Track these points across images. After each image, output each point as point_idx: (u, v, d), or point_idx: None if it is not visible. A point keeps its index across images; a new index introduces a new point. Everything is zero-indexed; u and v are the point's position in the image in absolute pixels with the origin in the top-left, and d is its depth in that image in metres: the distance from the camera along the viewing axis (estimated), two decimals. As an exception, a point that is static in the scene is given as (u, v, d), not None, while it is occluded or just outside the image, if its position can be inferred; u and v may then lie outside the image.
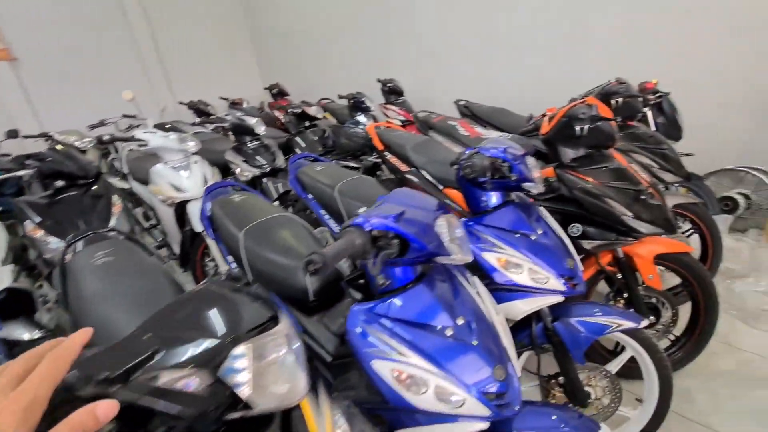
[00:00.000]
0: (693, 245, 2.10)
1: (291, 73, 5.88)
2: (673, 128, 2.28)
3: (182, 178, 2.31)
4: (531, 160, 1.24)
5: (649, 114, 2.24)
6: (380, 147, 2.30)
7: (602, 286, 1.73)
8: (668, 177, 1.88)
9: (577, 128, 1.47)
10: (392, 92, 3.84)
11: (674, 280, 1.74)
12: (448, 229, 0.87)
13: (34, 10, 4.34)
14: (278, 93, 5.29)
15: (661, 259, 1.58)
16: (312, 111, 3.11)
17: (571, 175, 1.52)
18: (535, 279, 1.16)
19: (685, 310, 1.67)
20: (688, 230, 2.08)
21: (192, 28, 5.65)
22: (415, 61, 4.24)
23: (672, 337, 1.71)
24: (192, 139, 2.44)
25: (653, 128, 2.27)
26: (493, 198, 1.26)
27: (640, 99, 1.96)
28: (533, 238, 1.21)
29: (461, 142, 2.46)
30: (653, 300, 1.64)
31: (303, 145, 3.15)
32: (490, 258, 1.17)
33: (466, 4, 3.58)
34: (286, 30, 5.58)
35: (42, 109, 4.50)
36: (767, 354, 1.79)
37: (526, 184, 1.22)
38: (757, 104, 2.49)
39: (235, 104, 4.83)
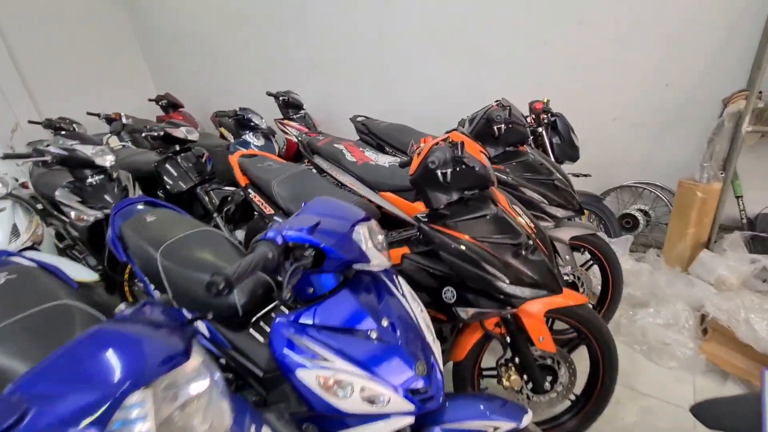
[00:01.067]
0: (593, 277, 1.96)
1: (189, 81, 5.23)
2: (569, 148, 2.12)
3: None
4: (365, 231, 0.92)
5: (545, 135, 2.07)
6: (243, 182, 1.89)
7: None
8: (560, 212, 1.68)
9: (440, 173, 1.19)
10: (289, 106, 3.43)
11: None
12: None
13: None
14: (168, 105, 4.64)
15: (553, 314, 1.35)
16: (180, 133, 2.60)
17: (437, 231, 1.23)
18: (371, 400, 0.83)
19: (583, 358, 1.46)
20: (587, 262, 1.92)
21: (61, 28, 4.79)
22: (317, 71, 3.86)
23: (572, 398, 1.50)
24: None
25: (549, 150, 2.10)
26: (323, 281, 0.92)
27: (527, 121, 1.75)
28: (374, 336, 0.88)
29: (347, 170, 2.13)
30: (548, 361, 1.42)
31: (174, 173, 2.63)
32: (308, 377, 0.83)
33: (361, 13, 3.27)
34: (178, 32, 4.92)
35: None
36: (670, 398, 1.66)
37: (358, 265, 0.90)
38: (650, 118, 2.44)
39: (111, 120, 4.12)
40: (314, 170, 2.11)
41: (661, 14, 2.22)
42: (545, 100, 2.05)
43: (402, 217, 1.85)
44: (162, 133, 2.53)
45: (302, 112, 3.50)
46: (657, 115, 2.41)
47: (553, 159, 2.11)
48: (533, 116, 2.03)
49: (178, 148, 2.71)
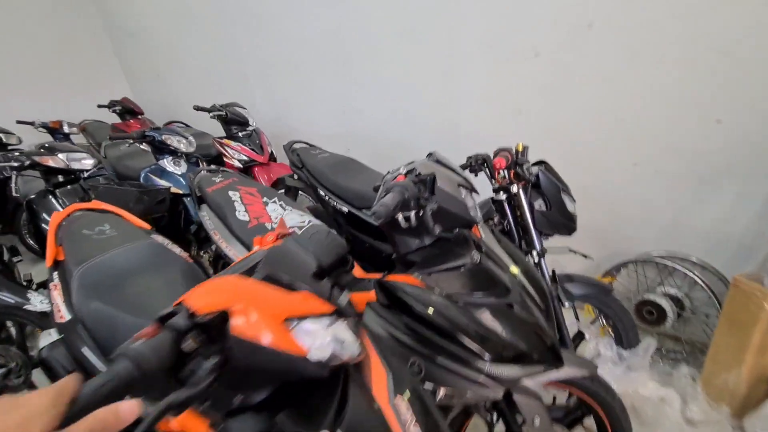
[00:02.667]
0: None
1: (155, 84, 4.73)
2: (560, 217, 1.41)
3: None
4: None
5: (522, 198, 1.35)
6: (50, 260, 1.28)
7: None
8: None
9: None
10: (231, 122, 2.82)
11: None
12: None
13: None
14: (125, 111, 4.13)
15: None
16: (56, 161, 2.02)
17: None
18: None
19: None
20: (575, 412, 1.20)
21: (21, 36, 4.38)
22: (272, 80, 3.24)
23: None
24: None
25: (529, 220, 1.39)
26: None
27: (493, 178, 1.06)
28: None
29: (232, 233, 1.49)
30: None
31: (42, 216, 2.06)
32: None
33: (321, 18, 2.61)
34: (139, 28, 4.41)
35: None
36: None
37: None
38: (690, 165, 1.67)
39: (54, 130, 3.65)
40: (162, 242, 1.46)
41: (713, 17, 1.46)
42: (519, 147, 1.33)
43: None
44: (27, 162, 1.96)
45: (249, 129, 2.89)
46: (700, 163, 1.65)
47: (533, 234, 1.40)
48: (501, 171, 1.32)
49: (61, 179, 2.14)
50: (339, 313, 0.64)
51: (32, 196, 2.05)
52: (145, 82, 4.92)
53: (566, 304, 1.44)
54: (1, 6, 4.24)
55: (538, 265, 1.43)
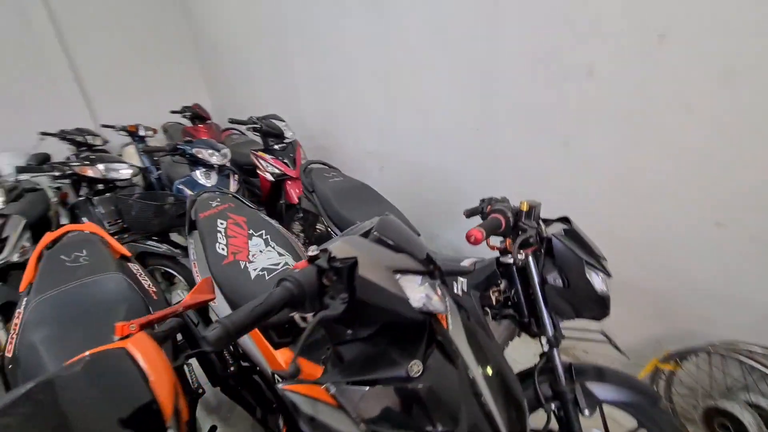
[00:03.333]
0: None
1: (229, 92, 5.02)
2: (583, 297, 1.06)
3: None
4: None
5: (532, 268, 1.04)
6: (21, 289, 1.28)
7: None
8: None
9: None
10: (268, 134, 2.80)
11: None
12: None
13: None
14: (194, 117, 4.44)
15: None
16: (93, 171, 2.15)
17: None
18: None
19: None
20: None
21: (119, 40, 4.97)
22: (317, 96, 3.16)
23: None
24: None
25: (539, 298, 1.07)
26: None
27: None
28: None
29: (209, 268, 1.40)
30: None
31: (92, 215, 2.21)
32: None
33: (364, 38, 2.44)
34: (218, 41, 4.71)
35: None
36: None
37: None
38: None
39: (132, 133, 4.04)
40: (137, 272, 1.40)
41: None
42: (523, 207, 1.01)
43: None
44: (69, 171, 2.11)
45: (286, 141, 2.85)
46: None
47: (544, 316, 1.08)
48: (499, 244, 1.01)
49: (101, 187, 2.28)
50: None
51: (75, 202, 2.22)
52: (220, 90, 5.26)
53: (586, 412, 1.09)
54: (104, 19, 4.83)
55: (549, 356, 1.09)
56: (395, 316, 0.73)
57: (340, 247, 0.71)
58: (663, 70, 1.29)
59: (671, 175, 1.38)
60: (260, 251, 1.43)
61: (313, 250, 0.72)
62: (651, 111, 1.36)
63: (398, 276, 0.73)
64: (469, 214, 1.22)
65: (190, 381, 1.27)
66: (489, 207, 1.11)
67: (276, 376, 1.11)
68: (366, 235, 0.80)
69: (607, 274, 1.09)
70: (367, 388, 0.72)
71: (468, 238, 0.89)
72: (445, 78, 2.04)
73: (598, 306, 1.07)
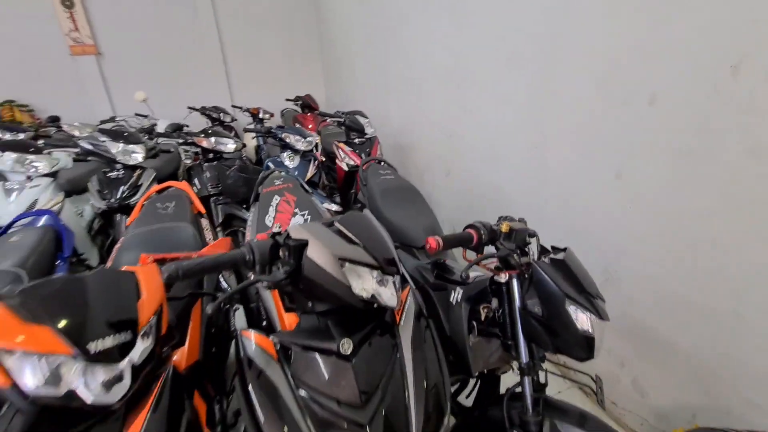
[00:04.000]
0: None
1: (339, 86, 5.51)
2: (562, 330, 1.02)
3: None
4: None
5: (514, 290, 1.04)
6: (127, 224, 1.71)
7: None
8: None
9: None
10: (350, 128, 3.07)
11: None
12: None
13: (119, 10, 5.06)
14: (305, 106, 5.00)
15: None
16: (207, 143, 2.66)
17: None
18: None
19: None
20: None
21: (260, 32, 5.81)
22: (404, 97, 3.31)
23: None
24: (39, 162, 2.34)
25: (517, 321, 1.06)
26: None
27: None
28: None
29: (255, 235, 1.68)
30: None
31: (198, 185, 2.76)
32: None
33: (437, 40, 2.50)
34: (337, 39, 5.19)
35: (118, 98, 5.30)
36: None
37: None
38: None
39: (253, 115, 4.75)
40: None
41: None
42: (504, 228, 1.01)
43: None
44: (190, 140, 2.65)
45: (366, 136, 3.08)
46: None
47: (519, 340, 1.07)
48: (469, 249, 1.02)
49: (211, 156, 2.81)
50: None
51: (191, 165, 2.77)
52: (333, 83, 5.79)
53: (544, 443, 1.05)
54: (253, 15, 5.69)
55: (521, 384, 1.08)
56: (338, 299, 0.85)
57: (297, 229, 0.86)
58: (731, 107, 1.12)
59: (732, 224, 1.19)
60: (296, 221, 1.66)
61: (277, 228, 0.88)
62: (713, 151, 1.19)
63: (346, 264, 0.85)
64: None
65: (231, 324, 1.56)
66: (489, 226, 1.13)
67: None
68: (330, 225, 0.92)
69: (598, 315, 1.02)
70: (300, 350, 0.86)
71: (425, 244, 0.95)
72: (507, 94, 2.00)
73: (579, 345, 1.02)
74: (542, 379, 1.13)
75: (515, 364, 1.13)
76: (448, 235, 0.99)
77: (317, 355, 0.85)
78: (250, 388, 0.84)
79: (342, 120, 3.03)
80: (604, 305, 1.05)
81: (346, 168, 3.01)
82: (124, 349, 0.69)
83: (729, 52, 1.10)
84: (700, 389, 1.36)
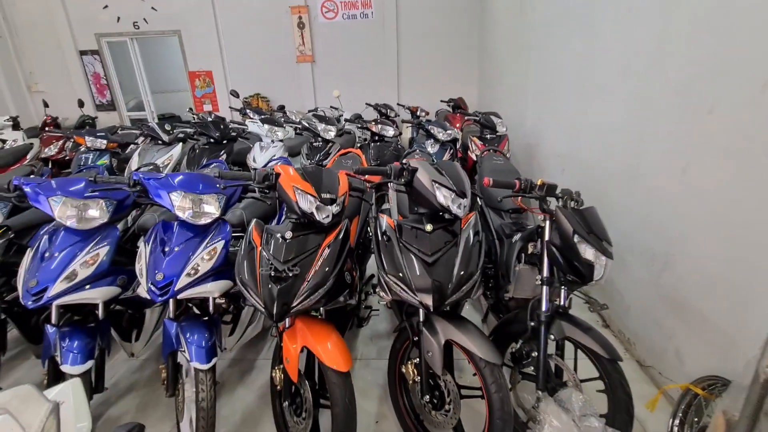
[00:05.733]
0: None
1: (491, 89, 6.09)
2: (572, 258, 1.53)
3: (257, 154, 3.69)
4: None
5: (546, 228, 1.60)
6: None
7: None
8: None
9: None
10: (483, 125, 3.69)
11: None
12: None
13: (330, 31, 6.75)
14: (455, 107, 5.76)
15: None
16: (376, 129, 3.69)
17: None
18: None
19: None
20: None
21: (429, 43, 6.83)
22: (538, 100, 3.72)
23: None
24: (280, 131, 3.76)
25: (544, 249, 1.61)
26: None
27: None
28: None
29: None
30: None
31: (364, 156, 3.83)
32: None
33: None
34: (498, 52, 5.77)
35: (320, 94, 7.08)
36: None
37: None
38: None
39: (412, 112, 5.77)
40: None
41: None
42: (540, 182, 1.55)
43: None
44: (364, 126, 3.75)
45: (497, 133, 3.67)
46: None
47: (544, 261, 1.62)
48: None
49: (377, 139, 3.87)
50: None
51: (361, 144, 3.87)
52: (485, 87, 6.40)
53: (551, 336, 1.58)
54: (424, 23, 6.73)
55: (541, 291, 1.62)
56: (429, 204, 1.59)
57: (414, 162, 1.64)
58: (764, 116, 1.40)
59: None
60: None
61: (404, 161, 1.67)
62: (756, 152, 1.46)
63: (436, 185, 1.59)
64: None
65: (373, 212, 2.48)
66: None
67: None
68: (432, 164, 1.67)
69: (604, 253, 1.49)
70: (408, 228, 1.63)
71: (499, 198, 1.61)
72: (614, 101, 2.34)
73: (583, 269, 1.51)
74: (564, 303, 1.63)
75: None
76: (498, 180, 1.62)
77: (416, 230, 1.61)
78: (381, 246, 1.65)
79: (478, 119, 3.69)
80: (611, 248, 1.52)
81: (474, 157, 3.66)
82: (331, 203, 1.59)
83: (760, 72, 1.39)
84: (733, 363, 1.60)
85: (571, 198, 1.63)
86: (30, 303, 1.56)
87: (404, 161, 1.68)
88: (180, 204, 1.67)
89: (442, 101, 5.90)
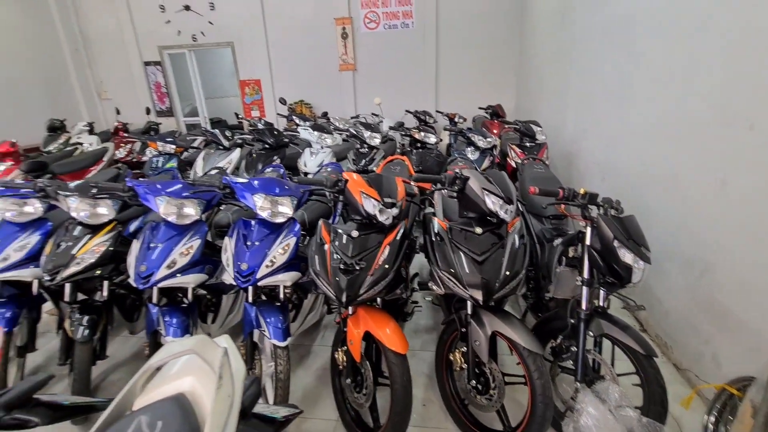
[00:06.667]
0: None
1: (528, 96, 6.16)
2: (611, 261, 1.68)
3: (308, 159, 3.99)
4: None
5: (587, 234, 1.75)
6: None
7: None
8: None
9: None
10: (523, 133, 3.82)
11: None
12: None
13: (372, 41, 7.04)
14: (494, 114, 5.89)
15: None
16: (419, 136, 3.90)
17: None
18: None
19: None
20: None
21: (467, 52, 6.97)
22: (578, 110, 3.81)
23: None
24: (329, 138, 4.05)
25: (585, 253, 1.76)
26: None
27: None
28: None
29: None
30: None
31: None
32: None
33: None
34: (538, 60, 5.85)
35: (360, 101, 7.38)
36: None
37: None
38: None
39: (450, 119, 5.94)
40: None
41: None
42: (582, 192, 1.70)
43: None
44: (407, 133, 3.97)
45: (536, 142, 3.79)
46: None
47: (585, 264, 1.77)
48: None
49: (418, 145, 4.09)
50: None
51: (403, 150, 4.09)
52: (522, 95, 6.47)
53: (590, 333, 1.72)
54: (463, 34, 6.88)
55: (581, 294, 1.77)
56: (479, 209, 1.78)
57: (466, 171, 1.84)
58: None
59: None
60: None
61: (456, 171, 1.87)
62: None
63: (486, 192, 1.78)
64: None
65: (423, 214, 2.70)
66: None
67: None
68: (482, 173, 1.86)
69: (642, 258, 1.63)
70: (458, 229, 1.83)
71: (544, 206, 1.78)
72: (651, 112, 2.44)
73: (622, 272, 1.65)
74: (603, 303, 1.77)
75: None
76: (543, 188, 1.78)
77: (465, 232, 1.81)
78: (435, 245, 1.86)
79: (517, 127, 3.82)
80: (648, 254, 1.65)
81: (514, 165, 3.80)
82: (391, 206, 1.81)
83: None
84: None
85: (612, 206, 1.78)
86: (141, 285, 1.88)
87: (456, 170, 1.88)
88: (261, 204, 1.95)
89: (480, 108, 6.03)
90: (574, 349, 1.75)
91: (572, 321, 1.78)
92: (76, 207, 1.99)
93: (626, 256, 1.65)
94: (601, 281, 1.77)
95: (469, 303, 1.74)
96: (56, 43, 7.27)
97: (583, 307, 1.75)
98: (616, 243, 1.66)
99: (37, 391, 0.91)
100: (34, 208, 2.14)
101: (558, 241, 2.04)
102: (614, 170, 3.05)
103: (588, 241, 1.78)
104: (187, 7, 7.29)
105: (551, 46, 4.79)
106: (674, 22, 2.30)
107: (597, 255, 1.74)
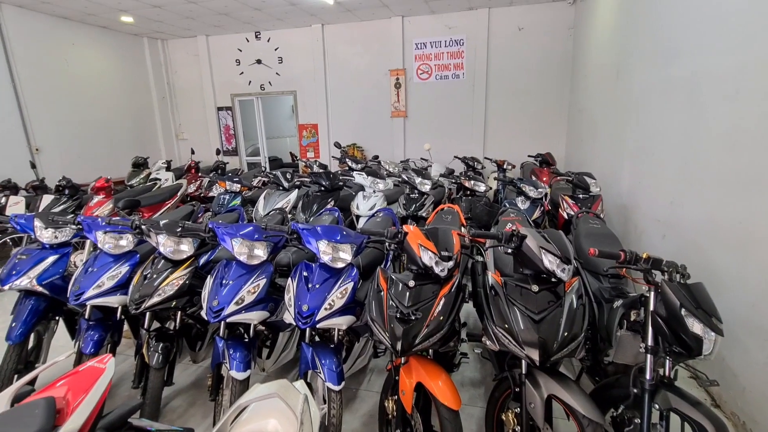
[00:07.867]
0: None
1: (581, 145, 6.11)
2: (679, 330, 1.61)
3: (361, 202, 4.19)
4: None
5: (651, 299, 1.70)
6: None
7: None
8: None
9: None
10: (576, 185, 3.78)
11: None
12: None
13: (423, 89, 7.40)
14: (543, 162, 5.87)
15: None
16: (468, 184, 3.98)
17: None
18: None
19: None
20: None
21: (518, 100, 7.11)
22: (634, 163, 3.73)
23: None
24: (381, 182, 4.25)
25: (648, 319, 1.70)
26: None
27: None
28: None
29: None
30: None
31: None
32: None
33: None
34: (589, 112, 5.86)
35: (409, 145, 7.68)
36: None
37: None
38: None
39: (499, 165, 6.00)
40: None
41: None
42: (645, 255, 1.66)
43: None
44: (456, 182, 4.07)
45: (590, 194, 3.73)
46: None
47: (648, 332, 1.71)
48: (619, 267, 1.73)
49: (468, 193, 4.17)
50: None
51: (453, 197, 4.18)
52: (574, 144, 6.42)
53: (656, 406, 1.63)
54: (514, 82, 7.05)
55: (645, 361, 1.69)
56: (536, 267, 1.80)
57: (524, 230, 1.88)
58: None
59: None
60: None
61: (514, 230, 1.91)
62: None
63: (543, 251, 1.80)
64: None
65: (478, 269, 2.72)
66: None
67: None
68: (539, 232, 1.88)
69: (713, 329, 1.55)
70: (513, 285, 1.85)
71: (605, 269, 1.77)
72: (714, 169, 2.36)
73: (691, 343, 1.57)
74: (669, 374, 1.68)
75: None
76: (603, 251, 1.77)
77: (521, 288, 1.82)
78: (489, 299, 1.88)
79: (571, 179, 3.80)
80: (720, 325, 1.57)
81: (566, 216, 3.75)
82: (447, 260, 1.88)
83: None
84: None
85: (677, 271, 1.73)
86: (212, 318, 2.05)
87: (513, 228, 1.92)
88: (324, 249, 2.09)
89: (529, 156, 6.05)
90: (637, 421, 1.66)
91: (635, 390, 1.70)
92: (164, 243, 2.25)
93: (695, 326, 1.58)
94: (667, 350, 1.69)
95: (524, 362, 1.73)
96: (147, 91, 8.35)
97: (648, 376, 1.67)
98: (683, 311, 1.59)
99: (132, 415, 1.04)
100: (128, 242, 2.44)
101: (618, 302, 1.99)
102: (677, 228, 2.93)
103: (652, 307, 1.72)
104: (258, 61, 8.15)
105: (606, 97, 4.80)
106: (741, 89, 2.28)
107: (662, 322, 1.68)
